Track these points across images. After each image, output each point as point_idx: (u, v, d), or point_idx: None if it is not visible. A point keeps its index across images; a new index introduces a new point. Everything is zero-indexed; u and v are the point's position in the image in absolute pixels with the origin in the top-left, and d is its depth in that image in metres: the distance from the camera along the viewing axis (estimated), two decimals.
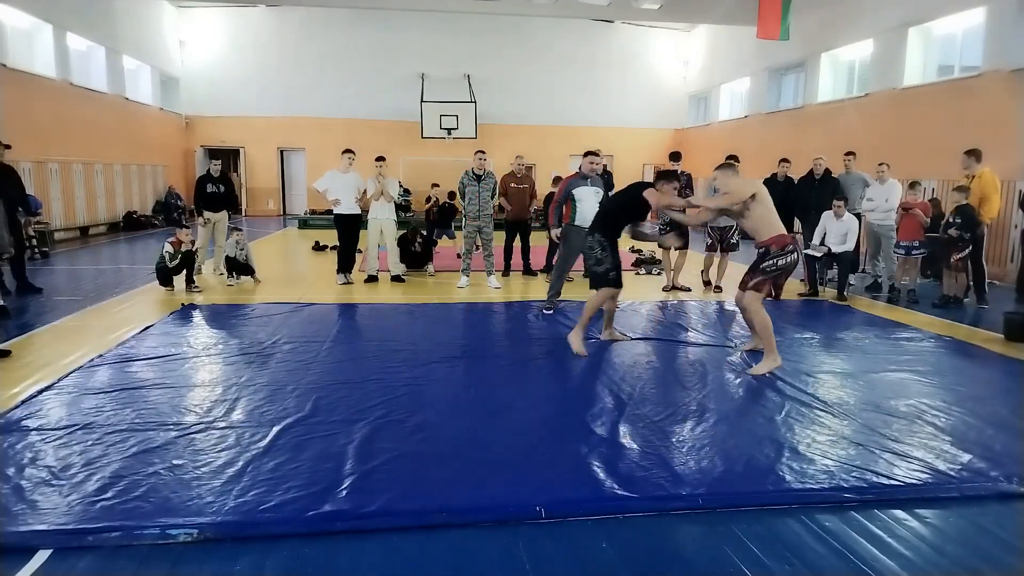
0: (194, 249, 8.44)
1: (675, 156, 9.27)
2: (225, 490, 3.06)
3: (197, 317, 6.81)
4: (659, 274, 9.99)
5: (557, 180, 10.18)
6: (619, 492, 3.13)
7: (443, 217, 11.86)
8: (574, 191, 7.05)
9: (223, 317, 6.83)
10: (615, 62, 21.92)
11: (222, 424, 3.88)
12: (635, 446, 3.68)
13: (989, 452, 3.65)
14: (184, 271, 8.12)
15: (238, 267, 8.80)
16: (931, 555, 2.72)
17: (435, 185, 12.95)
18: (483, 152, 8.98)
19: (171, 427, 3.81)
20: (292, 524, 2.84)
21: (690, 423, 4.08)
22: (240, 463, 3.35)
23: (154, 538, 2.73)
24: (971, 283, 8.08)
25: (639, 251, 11.43)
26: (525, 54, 21.29)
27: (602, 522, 2.94)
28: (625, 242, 11.04)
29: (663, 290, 8.88)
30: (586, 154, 7.27)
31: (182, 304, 7.26)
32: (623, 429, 3.92)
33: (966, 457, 3.58)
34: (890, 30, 12.91)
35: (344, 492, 3.07)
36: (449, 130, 19.65)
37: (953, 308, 7.81)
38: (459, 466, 3.40)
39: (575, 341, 5.59)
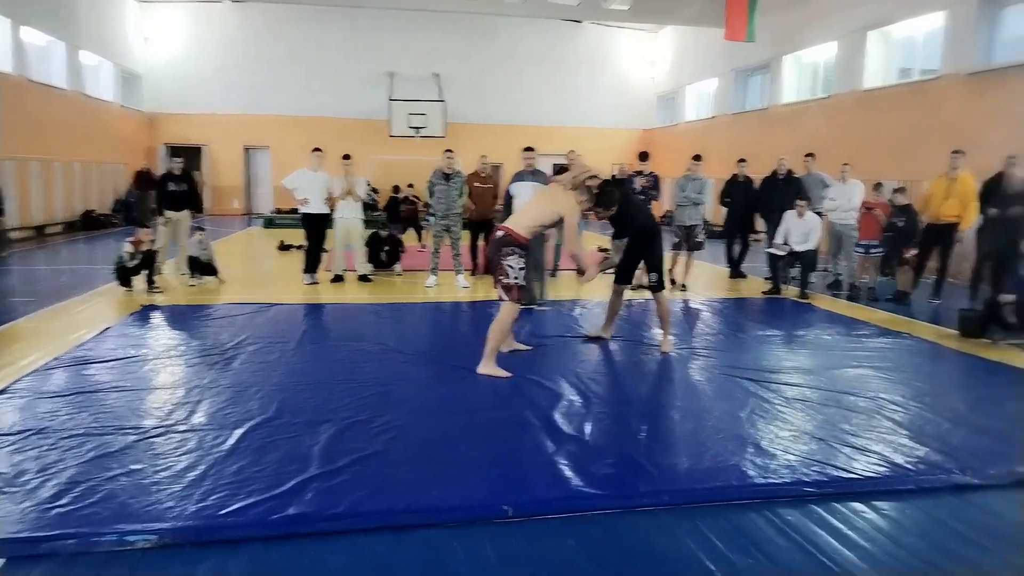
0: (155, 249, 8.28)
1: (643, 156, 9.35)
2: (186, 494, 3.01)
3: (158, 318, 6.68)
4: None
5: None
6: (586, 490, 3.15)
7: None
8: (510, 188, 7.14)
9: (185, 318, 6.71)
10: (584, 62, 22.03)
11: (183, 427, 3.81)
12: (602, 444, 3.70)
13: (945, 446, 3.74)
14: (144, 271, 7.95)
15: (201, 267, 8.65)
16: (888, 546, 2.78)
17: (410, 185, 12.93)
18: (451, 151, 8.95)
19: (130, 431, 3.72)
20: (256, 528, 2.80)
21: (656, 420, 4.12)
22: (202, 467, 3.29)
23: (111, 545, 2.67)
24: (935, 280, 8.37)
25: (606, 250, 11.48)
26: (494, 53, 21.29)
27: (569, 520, 2.95)
28: (591, 240, 11.09)
29: (630, 289, 8.92)
30: (524, 150, 7.37)
31: (142, 305, 7.11)
32: (590, 427, 3.94)
33: (922, 451, 3.67)
34: (852, 33, 13.18)
35: (310, 494, 3.04)
36: (417, 129, 19.55)
37: (907, 304, 8.01)
38: (427, 466, 3.38)
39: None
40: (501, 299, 4.98)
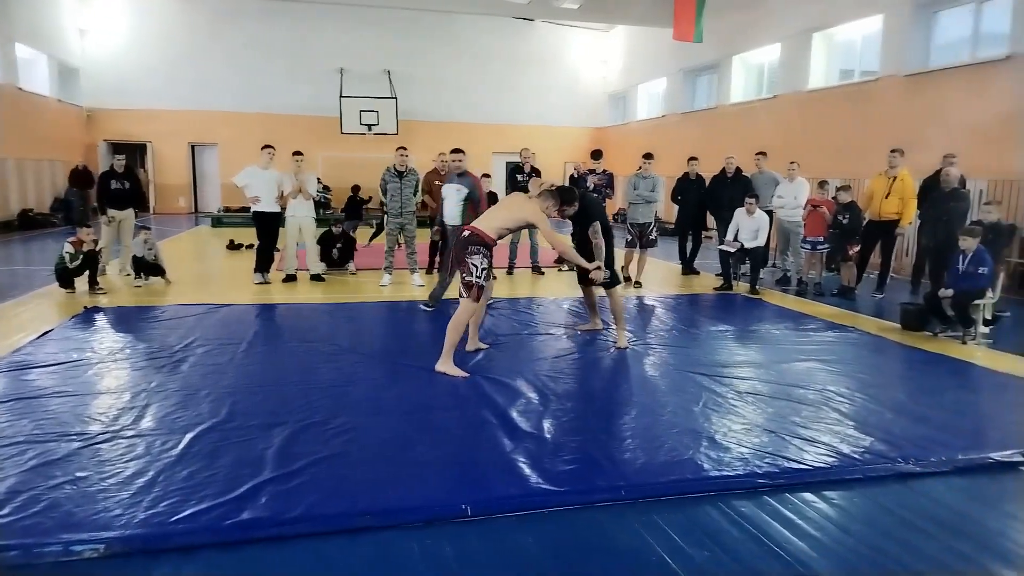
0: (97, 249, 8.00)
1: (596, 154, 9.43)
2: (134, 502, 2.92)
3: (101, 320, 6.46)
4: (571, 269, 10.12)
5: (485, 177, 10.19)
6: (544, 487, 3.16)
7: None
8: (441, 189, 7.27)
9: (130, 320, 6.50)
10: (536, 61, 22.09)
11: (130, 432, 3.69)
12: (559, 441, 3.73)
13: (889, 435, 3.88)
14: (87, 272, 7.68)
15: (146, 267, 8.40)
16: (837, 534, 2.86)
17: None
18: (405, 148, 8.87)
19: (74, 437, 3.59)
20: (208, 534, 2.73)
21: (613, 416, 4.16)
22: (150, 472, 3.20)
23: (56, 555, 2.57)
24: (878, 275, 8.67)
25: None
26: (446, 51, 21.18)
27: (528, 517, 2.95)
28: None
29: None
30: (451, 152, 7.34)
31: (85, 307, 6.86)
32: (547, 424, 3.96)
33: (868, 440, 3.79)
34: (796, 35, 13.52)
35: (264, 498, 2.98)
36: (370, 126, 19.35)
37: (851, 298, 8.28)
38: (384, 467, 3.35)
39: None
40: (461, 296, 5.00)
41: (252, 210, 8.56)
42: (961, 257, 6.30)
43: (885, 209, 8.42)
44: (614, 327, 6.39)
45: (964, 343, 6.20)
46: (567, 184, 8.35)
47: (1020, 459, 3.61)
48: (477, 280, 4.95)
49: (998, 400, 4.75)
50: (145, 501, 2.92)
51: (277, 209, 8.59)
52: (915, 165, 8.76)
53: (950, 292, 6.25)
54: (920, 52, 11.00)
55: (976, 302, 6.13)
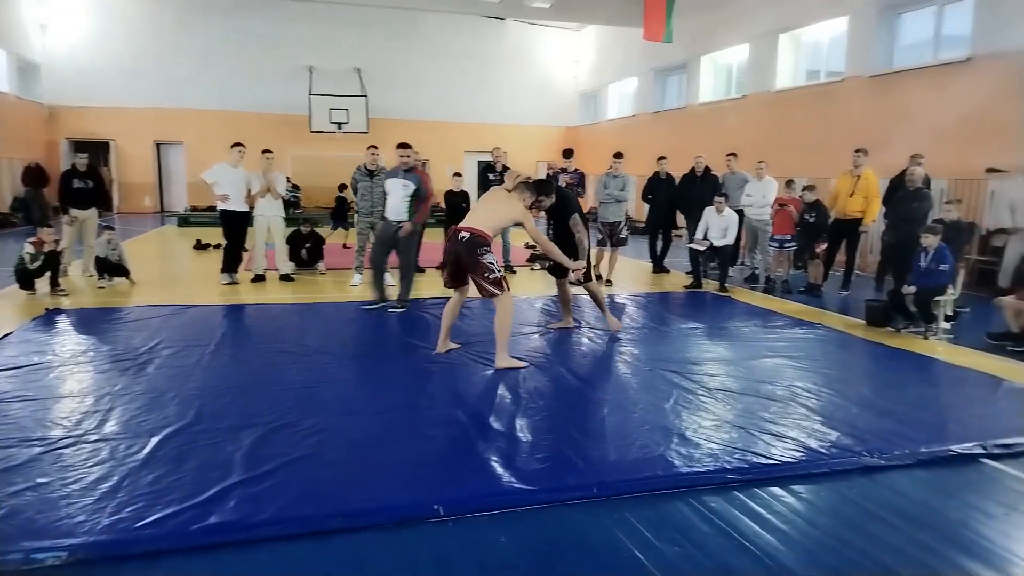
0: (59, 249, 7.82)
1: (568, 153, 9.46)
2: (98, 507, 2.86)
3: (63, 322, 6.32)
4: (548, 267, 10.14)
5: (456, 176, 10.19)
6: (516, 486, 3.16)
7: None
8: (384, 183, 7.10)
9: (93, 322, 6.37)
10: (507, 59, 22.09)
11: (94, 437, 3.61)
12: (531, 439, 3.73)
13: (854, 429, 3.95)
14: (48, 273, 7.51)
15: (110, 268, 8.23)
16: (805, 528, 2.91)
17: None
18: (376, 147, 8.82)
19: (35, 443, 3.50)
20: (175, 539, 2.68)
21: (585, 414, 4.17)
22: (115, 477, 3.13)
23: (17, 563, 2.51)
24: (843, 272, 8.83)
25: (533, 246, 11.56)
26: (417, 49, 21.08)
27: (500, 516, 2.95)
28: (520, 237, 11.16)
29: (569, 282, 9.02)
30: (397, 147, 7.18)
31: (46, 309, 6.70)
32: (519, 423, 3.96)
33: (834, 435, 3.86)
34: (763, 36, 13.71)
35: (232, 502, 2.94)
36: (339, 124, 19.20)
37: (818, 295, 8.42)
38: (354, 469, 3.32)
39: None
40: (493, 295, 5.04)
41: (220, 208, 8.43)
42: (923, 254, 6.43)
43: (850, 207, 8.58)
44: (586, 325, 6.44)
45: (926, 338, 6.34)
46: None
47: (980, 451, 3.70)
48: (500, 274, 5.09)
49: (958, 394, 4.86)
50: (109, 507, 2.86)
51: (246, 208, 8.48)
52: (880, 164, 8.93)
53: (913, 289, 6.39)
54: (884, 53, 11.22)
55: (937, 298, 6.27)
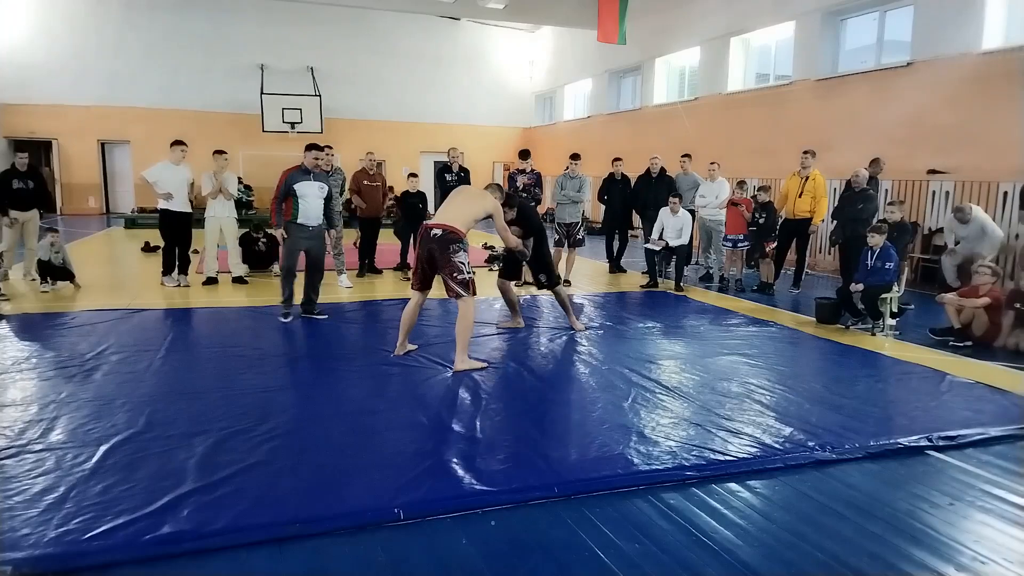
0: None
1: (524, 154, 9.48)
2: (44, 519, 2.75)
3: (4, 329, 6.07)
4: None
5: (412, 177, 10.09)
6: (477, 487, 3.15)
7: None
8: (295, 187, 6.48)
9: (36, 327, 6.14)
10: (462, 60, 22.03)
11: (38, 447, 3.48)
12: (491, 440, 3.73)
13: (807, 424, 4.05)
14: None
15: (53, 271, 7.95)
16: (761, 522, 2.97)
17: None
18: (330, 147, 8.70)
19: None
20: (126, 550, 2.60)
21: (545, 414, 4.19)
22: (61, 488, 3.03)
23: None
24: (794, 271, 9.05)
25: (491, 247, 11.57)
26: (371, 48, 20.87)
27: (462, 518, 2.94)
28: (478, 237, 11.14)
29: (515, 285, 9.03)
30: (308, 147, 6.78)
31: None
32: (479, 424, 3.95)
33: (788, 430, 3.95)
34: (715, 39, 13.95)
35: (186, 510, 2.86)
36: (292, 124, 18.90)
37: (770, 294, 8.61)
38: (312, 474, 3.27)
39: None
40: (459, 296, 4.99)
41: (161, 208, 8.18)
42: (869, 253, 6.63)
43: (798, 208, 8.80)
44: (545, 326, 6.48)
45: (873, 335, 6.53)
46: (504, 184, 8.44)
47: (926, 444, 3.83)
48: (469, 275, 5.04)
49: (905, 388, 5.02)
50: (56, 518, 2.76)
51: (188, 209, 8.26)
52: (827, 166, 9.18)
53: (860, 286, 6.58)
54: (830, 58, 11.54)
55: (883, 296, 6.47)
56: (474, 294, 5.09)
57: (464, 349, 5.09)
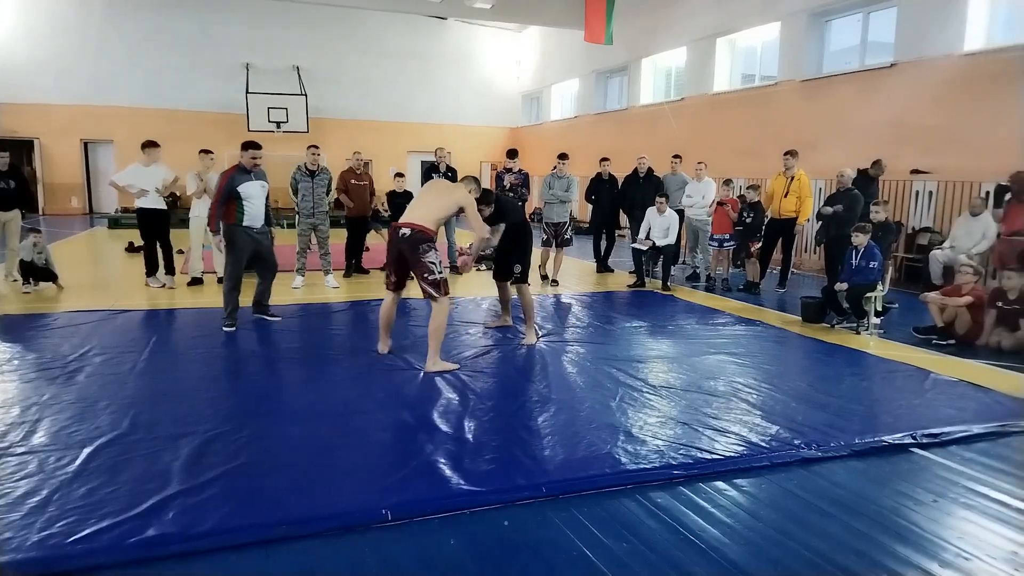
0: None
1: (512, 153, 9.47)
2: (27, 523, 2.72)
3: None
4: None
5: (399, 176, 10.06)
6: (465, 487, 3.15)
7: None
8: (239, 188, 6.15)
9: (19, 329, 6.07)
10: (449, 59, 22.00)
11: (20, 449, 3.44)
12: (480, 440, 3.72)
13: (792, 423, 4.07)
14: None
15: (36, 272, 7.86)
16: (748, 520, 2.99)
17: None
18: (316, 147, 8.68)
19: None
20: (111, 553, 2.57)
21: (532, 414, 4.18)
22: (44, 491, 2.99)
23: None
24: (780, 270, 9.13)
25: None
26: (358, 48, 20.79)
27: (450, 519, 2.94)
28: (466, 237, 11.12)
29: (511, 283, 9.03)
30: (245, 145, 6.40)
31: None
32: (467, 424, 3.95)
33: (774, 429, 3.97)
34: (701, 40, 14.02)
35: (172, 513, 2.84)
36: (278, 123, 18.81)
37: (756, 293, 8.66)
38: (298, 475, 3.25)
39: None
40: (431, 297, 4.92)
41: (137, 206, 8.09)
42: (854, 253, 6.69)
43: (784, 208, 8.86)
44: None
45: (858, 333, 6.59)
46: (491, 183, 8.38)
47: (910, 441, 3.87)
48: (440, 276, 4.95)
49: (889, 386, 5.06)
50: (39, 522, 2.73)
51: (163, 206, 8.18)
52: (813, 166, 9.24)
53: (845, 285, 6.63)
54: (815, 59, 11.63)
55: (868, 295, 6.52)
56: (447, 294, 5.01)
57: (436, 350, 5.01)
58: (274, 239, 6.69)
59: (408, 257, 4.99)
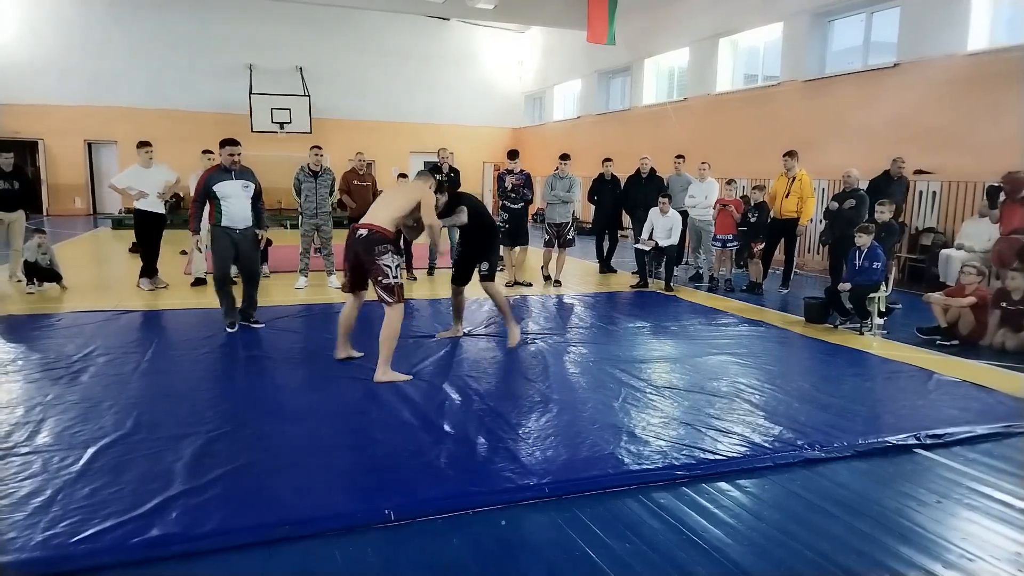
0: None
1: (513, 154, 9.46)
2: (31, 523, 2.73)
3: None
4: (501, 270, 10.16)
5: (401, 177, 10.07)
6: (467, 488, 3.15)
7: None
8: (215, 187, 5.97)
9: (22, 329, 6.08)
10: (452, 60, 22.01)
11: (24, 449, 3.45)
12: (483, 441, 3.72)
13: (795, 423, 4.07)
14: None
15: (40, 273, 7.88)
16: (751, 521, 2.98)
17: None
18: (320, 147, 8.69)
19: None
20: (114, 553, 2.58)
21: (535, 414, 4.18)
22: (48, 491, 3.00)
23: None
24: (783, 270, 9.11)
25: None
26: (361, 48, 20.80)
27: (452, 519, 2.94)
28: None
29: (505, 286, 9.05)
30: (223, 143, 6.16)
31: None
32: (470, 425, 3.95)
33: (777, 429, 3.96)
34: (703, 40, 14.00)
35: (174, 513, 2.84)
36: (281, 124, 18.84)
37: (759, 294, 8.65)
38: (301, 475, 3.26)
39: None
40: (385, 302, 4.77)
41: (136, 208, 8.09)
42: (857, 253, 6.67)
43: (786, 208, 8.85)
44: (536, 327, 6.44)
45: (861, 334, 6.57)
46: (493, 184, 8.29)
47: (914, 442, 3.86)
48: (396, 280, 4.75)
49: (892, 387, 5.05)
50: (43, 522, 2.74)
51: (162, 210, 8.19)
52: (816, 166, 9.22)
53: (848, 285, 6.62)
54: (817, 59, 11.61)
55: (871, 295, 6.51)
56: (400, 300, 4.79)
57: (387, 359, 4.77)
58: (261, 241, 6.44)
59: (363, 259, 4.79)
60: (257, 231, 6.28)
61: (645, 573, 2.58)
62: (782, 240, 9.19)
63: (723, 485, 3.32)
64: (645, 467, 3.42)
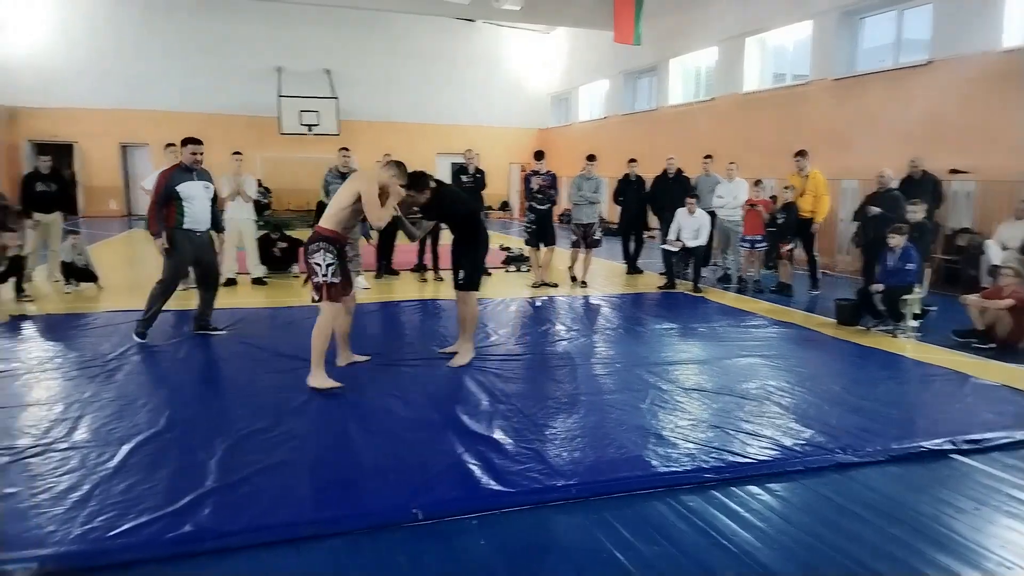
0: (23, 254, 7.62)
1: (539, 155, 9.46)
2: (69, 517, 2.79)
3: (29, 329, 6.17)
4: (527, 271, 10.17)
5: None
6: (495, 488, 3.16)
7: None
8: (178, 188, 5.67)
9: (60, 328, 6.23)
10: (478, 61, 22.07)
11: (63, 445, 3.53)
12: (510, 441, 3.72)
13: (827, 427, 4.01)
14: (12, 279, 7.31)
15: (77, 273, 8.05)
16: (781, 524, 2.95)
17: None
18: (347, 149, 8.76)
19: (2, 452, 3.42)
20: (149, 548, 2.63)
21: (562, 415, 4.18)
22: (86, 486, 3.07)
23: None
24: (807, 272, 8.96)
25: (508, 248, 11.57)
26: (387, 50, 20.95)
27: (480, 519, 2.94)
28: (495, 239, 11.15)
29: (531, 286, 9.05)
30: (185, 141, 5.89)
31: (10, 315, 6.54)
32: (497, 425, 3.96)
33: (808, 433, 3.91)
34: (731, 39, 13.87)
35: (207, 510, 2.89)
36: (310, 126, 19.02)
37: (789, 295, 8.54)
38: (330, 474, 3.29)
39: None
40: (314, 301, 4.60)
41: None
42: (890, 254, 6.56)
43: (801, 207, 8.73)
44: (563, 327, 6.40)
45: (895, 336, 6.45)
46: (520, 185, 8.19)
47: (950, 447, 3.78)
48: (325, 279, 4.50)
49: (927, 391, 4.96)
50: (80, 516, 2.80)
51: None
52: (846, 166, 9.08)
53: (880, 287, 6.51)
54: (847, 57, 11.43)
55: (905, 297, 6.39)
56: (331, 300, 4.53)
57: (317, 363, 4.52)
58: (214, 243, 6.17)
59: (304, 258, 4.67)
60: (218, 233, 6.15)
61: None
62: (799, 240, 9.05)
63: (753, 488, 3.28)
64: (673, 469, 3.40)
